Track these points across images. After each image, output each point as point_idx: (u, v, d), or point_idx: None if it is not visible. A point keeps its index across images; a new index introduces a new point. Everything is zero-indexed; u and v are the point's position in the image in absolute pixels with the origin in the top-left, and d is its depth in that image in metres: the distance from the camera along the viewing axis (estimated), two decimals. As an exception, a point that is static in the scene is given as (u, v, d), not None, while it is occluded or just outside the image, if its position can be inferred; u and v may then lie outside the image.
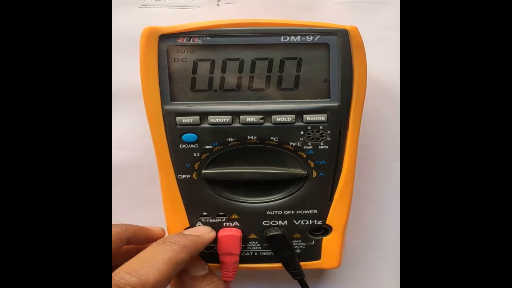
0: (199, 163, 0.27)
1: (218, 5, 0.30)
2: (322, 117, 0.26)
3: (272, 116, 0.26)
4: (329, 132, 0.26)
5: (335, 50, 0.25)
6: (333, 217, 0.28)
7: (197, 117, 0.26)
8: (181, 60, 0.25)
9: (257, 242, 0.28)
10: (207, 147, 0.26)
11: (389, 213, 0.32)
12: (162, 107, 0.26)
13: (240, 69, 0.26)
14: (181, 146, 0.26)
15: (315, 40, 0.25)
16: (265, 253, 0.28)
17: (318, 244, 0.28)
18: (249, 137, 0.26)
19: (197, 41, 0.25)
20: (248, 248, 0.28)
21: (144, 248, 0.28)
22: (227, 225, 0.28)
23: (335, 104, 0.26)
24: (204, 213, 0.28)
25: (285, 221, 0.28)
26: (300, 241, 0.28)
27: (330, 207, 0.28)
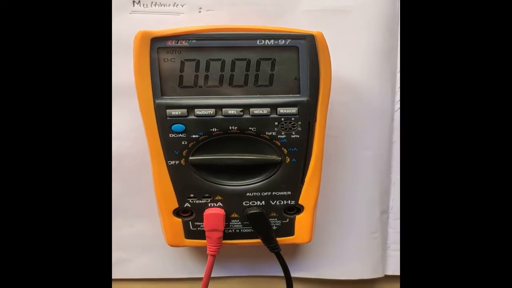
0: (186, 150, 0.29)
1: (200, 11, 0.32)
2: (293, 110, 0.28)
3: (250, 109, 0.28)
4: (300, 123, 0.28)
5: (303, 52, 0.28)
6: (305, 198, 0.30)
7: (185, 110, 0.28)
8: (170, 60, 0.27)
9: (238, 221, 0.30)
10: (194, 136, 0.28)
11: (355, 195, 0.35)
12: (154, 101, 0.27)
13: (222, 68, 0.28)
14: (171, 135, 0.28)
15: (287, 43, 0.27)
16: (245, 230, 0.31)
17: (292, 222, 0.31)
18: (230, 127, 0.28)
19: (184, 43, 0.27)
20: (230, 226, 0.31)
21: None
22: (212, 205, 0.30)
23: (304, 98, 0.28)
24: (191, 195, 0.30)
25: (263, 202, 0.30)
26: (276, 219, 0.31)
27: (301, 189, 0.30)
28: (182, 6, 0.32)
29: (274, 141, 0.29)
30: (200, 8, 0.32)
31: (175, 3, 0.32)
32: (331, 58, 0.28)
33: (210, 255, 0.30)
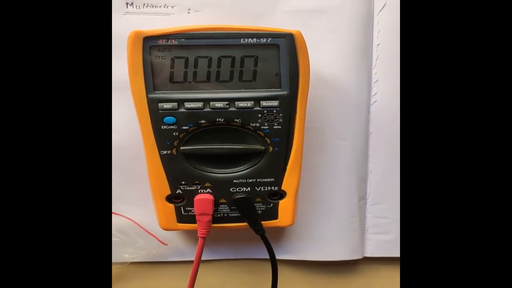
0: (177, 141, 0.30)
1: (188, 12, 0.34)
2: (275, 103, 0.30)
3: (236, 102, 0.30)
4: (281, 115, 0.30)
5: (283, 50, 0.29)
6: (287, 184, 0.32)
7: (176, 103, 0.29)
8: (161, 57, 0.29)
9: (226, 206, 0.32)
10: (184, 127, 0.30)
11: (334, 182, 0.37)
12: (147, 96, 0.29)
13: (209, 65, 0.29)
14: (163, 127, 0.30)
15: (268, 41, 0.29)
16: (233, 214, 0.32)
17: (276, 207, 0.33)
18: (217, 119, 0.30)
19: (174, 42, 0.29)
20: (219, 210, 0.32)
21: None
22: (202, 191, 0.32)
23: (285, 92, 0.30)
24: (183, 182, 0.31)
25: (248, 188, 0.32)
26: (261, 204, 0.32)
27: (284, 176, 0.32)
28: (172, 7, 0.34)
29: (258, 131, 0.31)
30: (189, 9, 0.34)
31: (165, 4, 0.34)
32: (310, 55, 0.30)
33: (201, 237, 0.32)
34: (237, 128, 0.31)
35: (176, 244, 0.37)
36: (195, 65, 0.30)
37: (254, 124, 0.30)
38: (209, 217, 0.32)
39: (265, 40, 0.29)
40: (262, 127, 0.31)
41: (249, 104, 0.30)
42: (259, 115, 0.30)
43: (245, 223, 0.33)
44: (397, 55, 0.36)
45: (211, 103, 0.30)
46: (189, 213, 0.32)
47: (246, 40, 0.29)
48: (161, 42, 0.29)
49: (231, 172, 0.32)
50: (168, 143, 0.30)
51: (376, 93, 0.37)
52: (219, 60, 0.30)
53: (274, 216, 0.33)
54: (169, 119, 0.30)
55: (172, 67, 0.29)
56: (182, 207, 0.32)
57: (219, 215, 0.33)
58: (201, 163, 0.31)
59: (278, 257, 0.35)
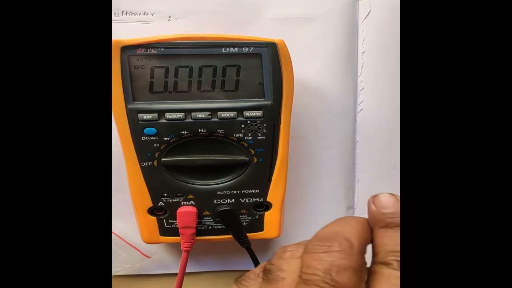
0: (159, 152, 0.30)
1: (169, 20, 0.33)
2: (258, 113, 0.29)
3: (218, 113, 0.29)
4: (265, 125, 0.30)
5: (266, 59, 0.29)
6: (272, 195, 0.32)
7: (156, 114, 0.29)
8: (140, 67, 0.28)
9: (210, 218, 0.32)
10: (165, 139, 0.29)
11: (321, 192, 0.36)
12: (126, 106, 0.28)
13: (190, 75, 0.29)
14: (143, 138, 0.29)
15: (250, 51, 0.29)
16: (217, 227, 0.32)
17: (261, 218, 0.32)
18: (199, 130, 0.29)
19: (153, 51, 0.28)
20: (203, 223, 0.32)
21: None
22: (184, 204, 0.31)
23: (268, 102, 0.29)
24: (165, 194, 0.31)
25: (233, 200, 0.31)
26: (246, 216, 0.32)
27: (269, 187, 0.31)
28: (152, 15, 0.33)
29: (241, 142, 0.30)
30: (170, 16, 0.33)
31: (145, 12, 0.33)
32: (296, 63, 0.29)
33: (184, 250, 0.31)
34: (220, 139, 0.30)
35: (159, 256, 0.36)
36: (176, 75, 0.29)
37: (237, 135, 0.30)
38: (193, 230, 0.31)
39: (247, 49, 0.29)
40: (245, 138, 0.30)
41: (232, 114, 0.30)
42: (243, 126, 0.30)
43: (230, 236, 0.32)
44: (383, 63, 0.36)
45: (192, 113, 0.29)
46: (172, 226, 0.32)
47: (228, 49, 0.29)
48: (140, 51, 0.28)
49: (214, 183, 0.31)
50: (149, 155, 0.30)
51: (362, 101, 0.37)
52: (200, 69, 0.29)
53: (260, 228, 0.33)
54: (149, 130, 0.29)
55: (151, 76, 0.29)
56: (164, 220, 0.32)
57: (203, 227, 0.32)
58: (183, 174, 0.31)
59: (264, 268, 0.34)
